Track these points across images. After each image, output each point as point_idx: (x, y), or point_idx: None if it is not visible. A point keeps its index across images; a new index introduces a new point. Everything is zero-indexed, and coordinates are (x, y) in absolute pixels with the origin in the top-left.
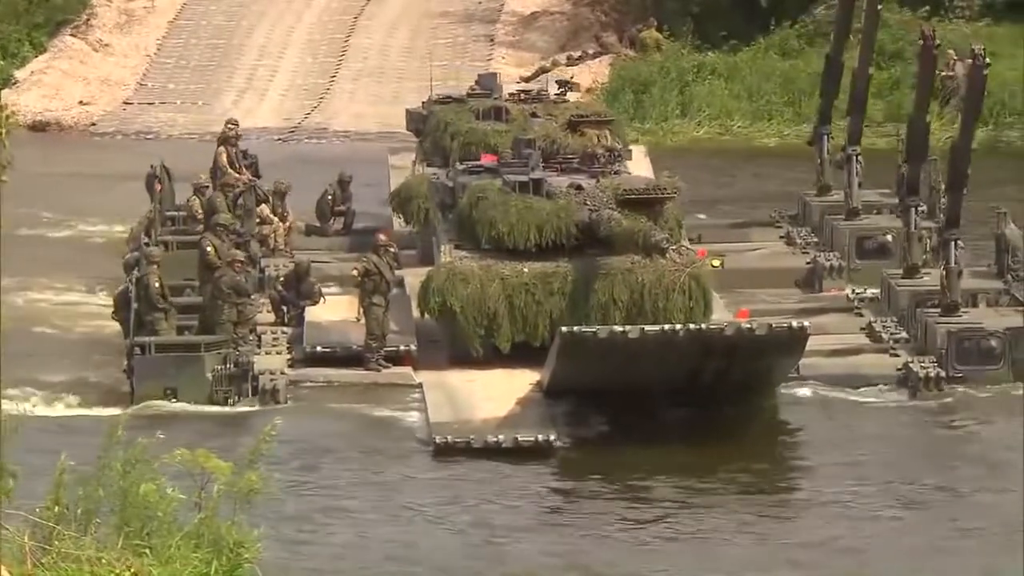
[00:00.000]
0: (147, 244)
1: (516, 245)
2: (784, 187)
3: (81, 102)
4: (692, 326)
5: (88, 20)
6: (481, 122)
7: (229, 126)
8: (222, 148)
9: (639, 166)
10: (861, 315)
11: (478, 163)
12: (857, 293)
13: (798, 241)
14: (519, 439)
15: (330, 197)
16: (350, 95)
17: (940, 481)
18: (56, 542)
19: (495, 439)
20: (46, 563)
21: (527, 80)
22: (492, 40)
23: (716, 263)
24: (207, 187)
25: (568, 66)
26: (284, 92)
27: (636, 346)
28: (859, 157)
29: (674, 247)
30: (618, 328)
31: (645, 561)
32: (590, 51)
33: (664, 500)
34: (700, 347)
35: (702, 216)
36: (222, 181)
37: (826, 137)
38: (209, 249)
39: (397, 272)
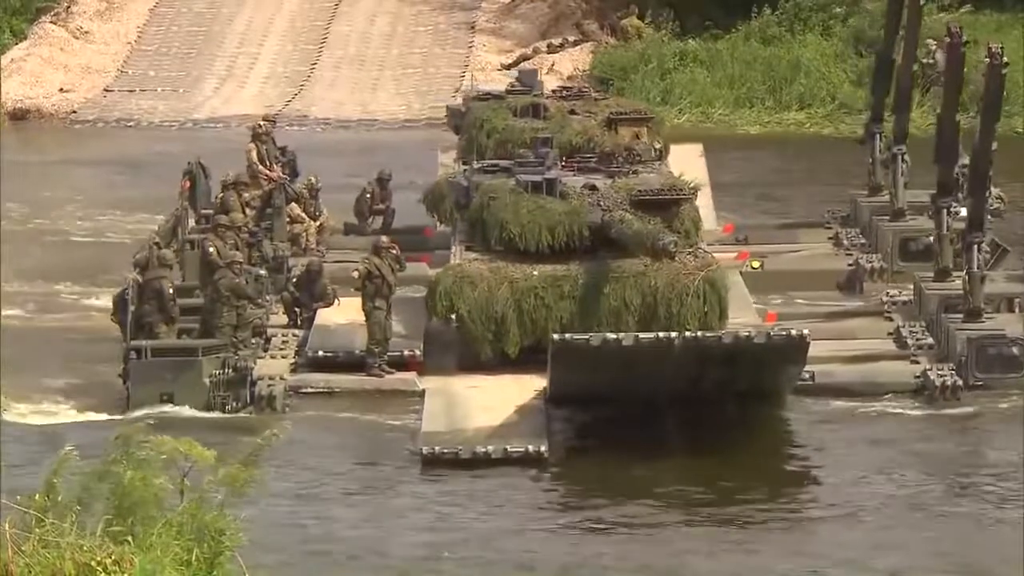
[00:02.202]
0: (157, 245)
1: (527, 247)
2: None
3: (61, 89)
4: (688, 334)
5: (68, 7)
6: (518, 119)
7: (260, 123)
8: (252, 144)
9: (694, 166)
10: (891, 319)
11: (494, 162)
12: (891, 296)
13: (845, 242)
14: (508, 449)
15: (368, 195)
16: (331, 83)
17: (944, 491)
18: (37, 529)
19: (484, 450)
20: (26, 550)
21: (507, 68)
22: (473, 28)
23: (756, 264)
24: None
25: (549, 54)
26: (264, 79)
27: (630, 354)
28: (905, 156)
29: (689, 250)
30: (611, 335)
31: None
32: (571, 39)
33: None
34: (697, 355)
35: None
36: (233, 179)
37: (878, 136)
38: (211, 250)
39: (431, 272)
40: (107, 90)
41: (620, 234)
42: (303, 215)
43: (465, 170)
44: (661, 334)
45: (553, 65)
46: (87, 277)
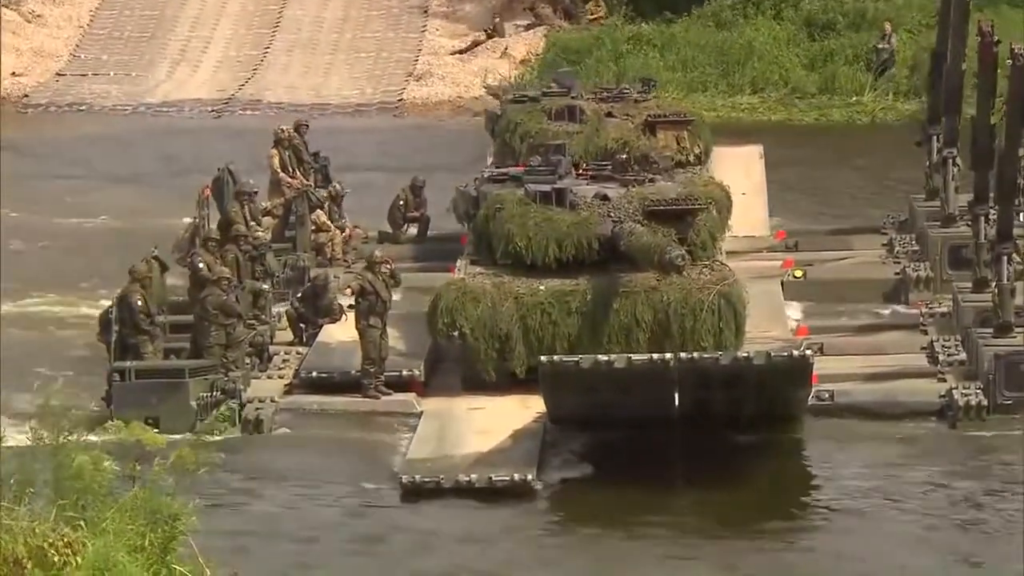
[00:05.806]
0: (155, 258)
1: (534, 260)
2: None
3: (13, 73)
4: (684, 355)
5: None
6: (553, 122)
7: (283, 127)
8: (275, 151)
9: (751, 170)
10: (926, 333)
11: (503, 171)
12: (930, 307)
13: (897, 249)
14: (493, 478)
15: (402, 203)
16: (284, 67)
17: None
18: None
19: (467, 479)
20: None
21: (461, 53)
22: (426, 12)
23: (799, 274)
24: (255, 192)
25: (502, 38)
26: (217, 64)
27: (624, 376)
28: (956, 160)
29: (705, 263)
30: (602, 357)
31: None
32: (524, 22)
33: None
34: (696, 377)
35: None
36: (236, 189)
37: (936, 138)
38: (201, 266)
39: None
40: (59, 74)
41: (628, 247)
42: (328, 223)
43: (475, 179)
44: (655, 356)
45: (506, 49)
46: None
